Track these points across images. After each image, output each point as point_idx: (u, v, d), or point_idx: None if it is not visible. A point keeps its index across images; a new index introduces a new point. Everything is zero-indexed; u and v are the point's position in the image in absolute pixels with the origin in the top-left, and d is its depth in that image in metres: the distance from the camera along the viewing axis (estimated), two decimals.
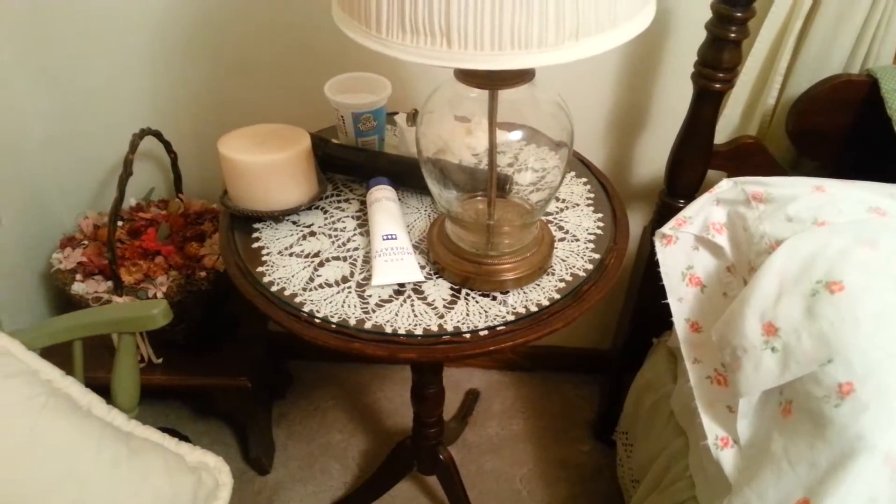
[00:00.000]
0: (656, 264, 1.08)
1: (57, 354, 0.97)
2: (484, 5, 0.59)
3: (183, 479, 0.92)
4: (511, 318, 0.85)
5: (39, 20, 1.22)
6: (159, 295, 1.21)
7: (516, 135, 0.83)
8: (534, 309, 0.86)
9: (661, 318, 1.09)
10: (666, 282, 1.07)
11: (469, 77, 0.75)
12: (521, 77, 0.76)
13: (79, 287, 1.22)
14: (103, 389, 0.96)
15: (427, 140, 0.84)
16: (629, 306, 1.44)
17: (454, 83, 0.77)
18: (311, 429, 1.64)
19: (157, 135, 1.26)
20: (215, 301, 1.33)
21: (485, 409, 1.70)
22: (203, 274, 1.26)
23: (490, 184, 0.85)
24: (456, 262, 0.89)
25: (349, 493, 1.51)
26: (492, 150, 0.81)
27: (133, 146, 1.15)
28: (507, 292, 0.88)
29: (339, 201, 1.03)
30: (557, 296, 0.88)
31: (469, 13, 0.59)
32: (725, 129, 1.22)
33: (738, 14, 0.99)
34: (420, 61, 0.63)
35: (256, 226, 0.98)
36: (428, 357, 0.83)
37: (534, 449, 1.61)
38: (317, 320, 0.84)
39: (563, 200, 1.03)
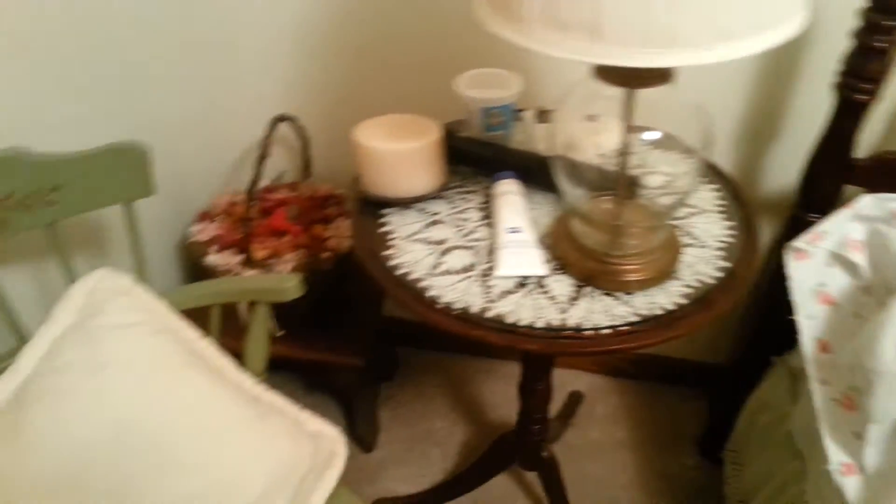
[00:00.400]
0: (784, 279, 1.04)
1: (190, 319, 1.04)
2: (635, 1, 0.59)
3: (303, 445, 0.97)
4: (635, 319, 0.84)
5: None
6: (286, 271, 1.27)
7: (648, 136, 0.82)
8: (658, 312, 0.85)
9: (783, 336, 1.05)
10: (795, 298, 1.03)
11: (608, 75, 0.75)
12: (662, 77, 0.75)
13: (213, 259, 1.30)
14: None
15: (557, 136, 0.85)
16: (749, 321, 1.39)
17: (590, 81, 0.78)
18: (415, 413, 1.68)
19: (293, 120, 1.32)
20: (336, 281, 1.38)
21: (587, 413, 1.69)
22: (327, 254, 1.31)
23: (620, 184, 0.85)
24: (580, 259, 0.89)
25: (448, 479, 1.54)
26: (625, 150, 0.81)
27: (271, 129, 1.21)
28: (631, 293, 0.87)
29: (463, 192, 1.05)
30: (684, 301, 0.86)
31: (620, 9, 0.59)
32: (867, 142, 1.16)
33: (888, 23, 0.94)
34: (566, 56, 0.63)
35: (385, 211, 1.01)
36: (548, 350, 0.83)
37: (636, 458, 1.59)
38: (440, 305, 0.87)
39: (693, 206, 1.01)
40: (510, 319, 0.84)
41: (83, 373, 0.86)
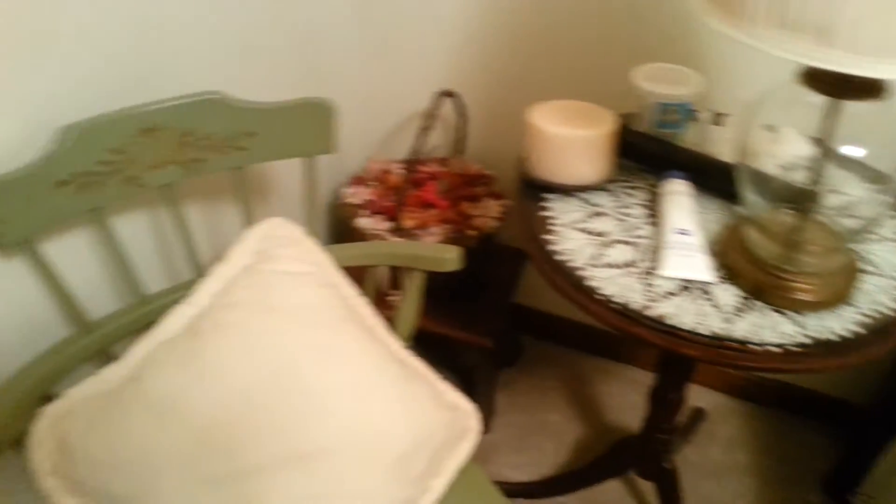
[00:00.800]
0: None
1: None
2: (879, 8, 0.56)
3: (443, 413, 0.99)
4: (805, 340, 0.80)
5: None
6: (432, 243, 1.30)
7: (842, 153, 0.78)
8: (831, 337, 0.80)
9: None
10: None
11: (817, 81, 0.71)
12: (877, 91, 0.70)
13: (363, 222, 1.35)
14: None
15: (741, 141, 0.82)
16: None
17: (789, 86, 0.74)
18: (532, 403, 1.68)
19: (456, 96, 1.34)
20: (476, 261, 1.39)
21: (709, 432, 1.63)
22: (472, 232, 1.33)
23: (805, 199, 0.81)
24: (750, 270, 0.86)
25: (559, 473, 1.53)
26: (816, 164, 0.77)
27: (436, 102, 1.23)
28: (802, 313, 0.83)
29: (628, 187, 1.03)
30: (860, 329, 0.81)
31: (856, 12, 0.56)
32: None
33: None
34: (789, 57, 0.61)
35: (547, 196, 1.01)
36: (710, 359, 0.81)
37: (756, 485, 1.52)
38: (600, 297, 0.86)
39: (875, 233, 0.95)
40: (671, 321, 0.83)
41: (253, 312, 0.91)
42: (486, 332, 1.42)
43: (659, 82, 1.01)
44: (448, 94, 1.27)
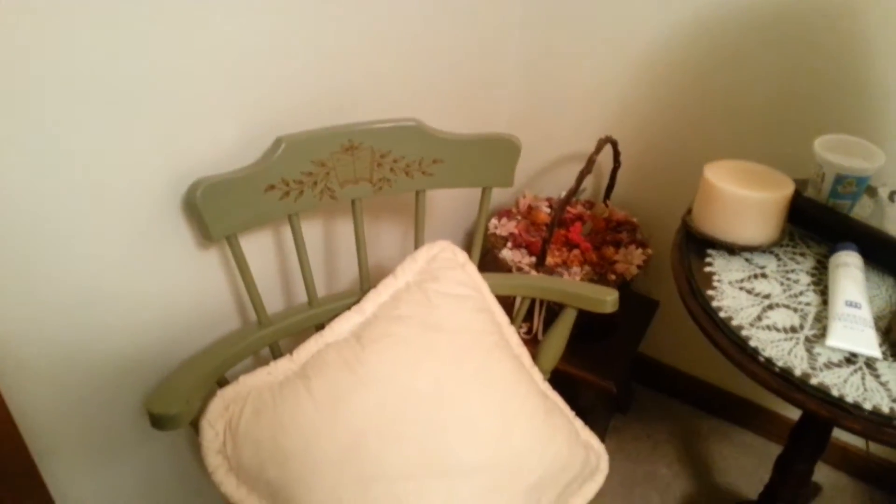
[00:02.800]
0: None
1: None
2: None
3: (577, 450, 1.01)
4: None
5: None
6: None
7: None
8: None
9: None
10: None
11: None
12: None
13: (507, 253, 1.39)
14: None
15: None
16: None
17: None
18: (641, 453, 1.67)
19: (614, 144, 1.37)
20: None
21: None
22: (612, 277, 1.35)
23: None
24: None
25: None
26: None
27: (599, 148, 1.27)
28: None
29: (794, 252, 1.04)
30: None
31: None
32: None
33: None
34: None
35: (710, 251, 1.03)
36: (873, 436, 0.80)
37: None
38: (761, 358, 0.87)
39: None
40: (835, 393, 0.82)
41: (417, 328, 0.96)
42: (610, 375, 1.43)
43: (838, 153, 1.01)
44: (609, 140, 1.30)
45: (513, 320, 1.09)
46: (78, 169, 0.76)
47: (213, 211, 0.86)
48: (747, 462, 1.66)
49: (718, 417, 1.76)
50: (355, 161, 0.95)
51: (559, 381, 1.71)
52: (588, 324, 1.45)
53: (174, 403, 0.84)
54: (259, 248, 1.05)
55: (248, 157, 0.92)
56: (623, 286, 1.38)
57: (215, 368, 0.94)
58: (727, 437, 1.72)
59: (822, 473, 1.65)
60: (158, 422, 0.82)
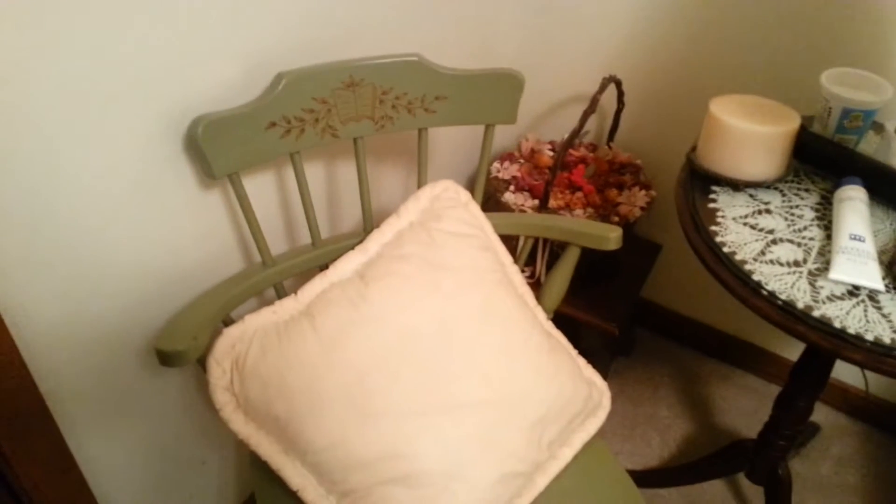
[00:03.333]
0: None
1: None
2: None
3: (580, 386, 1.02)
4: None
5: None
6: None
7: None
8: None
9: None
10: None
11: None
12: None
13: (509, 197, 1.39)
14: None
15: None
16: None
17: None
18: (642, 395, 1.69)
19: (618, 83, 1.35)
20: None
21: (821, 448, 1.60)
22: (615, 219, 1.35)
23: None
24: None
25: (663, 466, 1.54)
26: None
27: (602, 88, 1.25)
28: None
29: (798, 188, 1.03)
30: None
31: None
32: None
33: None
34: None
35: (714, 188, 1.02)
36: (874, 366, 0.81)
37: None
38: (764, 292, 0.87)
39: None
40: (837, 324, 0.83)
41: (420, 266, 0.97)
42: (613, 318, 1.44)
43: (846, 86, 1.00)
44: (613, 80, 1.28)
45: (516, 261, 1.09)
46: (81, 105, 0.75)
47: (215, 148, 0.86)
48: (747, 403, 1.68)
49: (719, 360, 1.78)
50: (357, 98, 0.94)
51: (563, 323, 1.72)
52: (591, 266, 1.45)
53: (181, 340, 0.84)
54: (262, 189, 1.05)
55: (250, 95, 0.91)
56: (626, 229, 1.37)
57: (221, 308, 0.94)
58: (727, 378, 1.74)
59: (822, 414, 1.67)
60: (167, 358, 0.83)
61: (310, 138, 0.93)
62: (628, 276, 1.53)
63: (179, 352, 0.83)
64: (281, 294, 1.02)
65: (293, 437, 0.89)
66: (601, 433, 1.58)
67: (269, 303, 0.95)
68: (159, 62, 0.81)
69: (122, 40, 0.76)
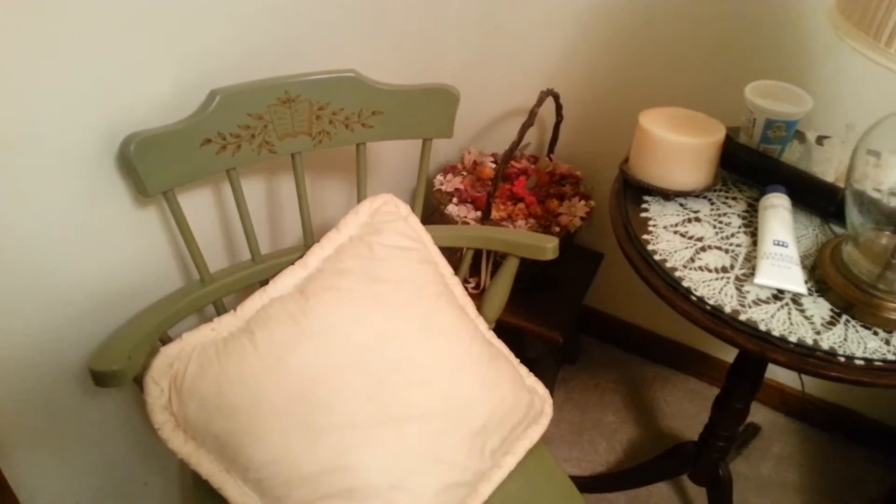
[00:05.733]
0: None
1: None
2: None
3: (522, 394, 1.04)
4: (891, 357, 0.83)
5: None
6: None
7: None
8: None
9: None
10: None
11: None
12: None
13: (453, 209, 1.40)
14: None
15: (845, 164, 0.85)
16: None
17: None
18: (588, 402, 1.72)
19: (556, 97, 1.38)
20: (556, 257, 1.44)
21: (762, 448, 1.65)
22: (556, 229, 1.37)
23: None
24: (844, 285, 0.89)
25: (610, 471, 1.57)
26: None
27: (540, 101, 1.28)
28: (891, 332, 0.86)
29: (726, 197, 1.07)
30: None
31: None
32: None
33: None
34: None
35: (646, 198, 1.05)
36: (798, 366, 0.84)
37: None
38: (693, 298, 0.90)
39: None
40: (762, 327, 0.86)
41: (361, 280, 0.97)
42: (556, 326, 1.46)
43: (769, 98, 1.04)
44: (551, 93, 1.31)
45: (458, 272, 1.11)
46: (10, 123, 0.74)
47: (148, 165, 0.85)
48: (690, 406, 1.72)
49: (662, 365, 1.82)
50: (293, 114, 0.94)
51: (508, 333, 1.74)
52: (534, 276, 1.47)
53: (116, 360, 0.83)
54: (200, 205, 1.04)
55: (185, 112, 0.91)
56: (567, 238, 1.40)
57: (158, 326, 0.93)
58: (671, 382, 1.78)
59: (762, 415, 1.72)
60: (101, 379, 0.82)
61: (246, 154, 0.93)
62: (571, 284, 1.56)
63: (114, 372, 0.82)
64: (221, 311, 1.01)
65: (234, 454, 0.89)
66: (548, 441, 1.61)
67: (210, 320, 0.94)
68: (90, 80, 0.81)
69: (49, 59, 0.76)
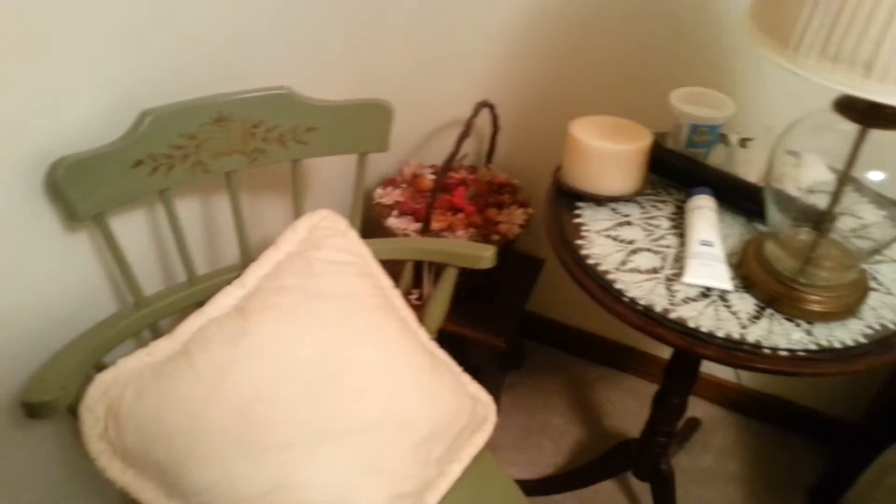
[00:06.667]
0: None
1: None
2: None
3: (465, 402, 1.05)
4: (813, 347, 0.87)
5: None
6: None
7: (862, 179, 0.85)
8: (837, 345, 0.88)
9: None
10: None
11: (848, 111, 0.79)
12: None
13: (393, 221, 1.41)
14: None
15: (766, 165, 0.90)
16: None
17: (818, 116, 0.82)
18: (534, 406, 1.75)
19: (492, 108, 1.41)
20: (496, 265, 1.46)
21: (703, 441, 1.70)
22: (496, 237, 1.40)
23: (823, 220, 0.88)
24: (767, 281, 0.93)
25: (558, 473, 1.59)
26: (840, 187, 0.85)
27: (476, 112, 1.30)
28: (812, 323, 0.91)
29: (655, 200, 1.11)
30: (863, 340, 0.89)
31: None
32: None
33: None
34: (832, 86, 0.68)
35: (579, 204, 1.08)
36: (725, 360, 0.88)
37: (744, 494, 1.60)
38: (626, 299, 0.93)
39: (882, 254, 1.03)
40: (691, 324, 0.90)
41: (300, 296, 0.97)
42: (500, 333, 1.48)
43: (693, 104, 1.09)
44: (486, 105, 1.34)
45: (399, 284, 1.11)
46: None
47: (78, 190, 0.84)
48: (633, 404, 1.77)
49: (604, 365, 1.86)
50: (226, 133, 0.94)
51: (451, 342, 1.75)
52: (475, 284, 1.49)
53: (48, 390, 0.82)
54: (133, 228, 1.02)
55: (115, 133, 0.90)
56: (507, 246, 1.43)
57: (91, 353, 0.92)
58: (613, 382, 1.82)
59: (702, 409, 1.77)
60: (34, 410, 0.80)
61: (179, 175, 0.93)
62: (513, 291, 1.58)
63: (47, 402, 0.80)
64: (158, 335, 0.99)
65: (175, 479, 0.87)
66: (496, 446, 1.63)
67: (147, 345, 0.93)
68: (15, 105, 0.79)
69: None
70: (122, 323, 0.96)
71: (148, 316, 0.98)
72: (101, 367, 0.91)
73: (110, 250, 0.91)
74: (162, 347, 0.93)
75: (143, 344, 0.99)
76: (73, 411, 0.87)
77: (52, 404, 0.80)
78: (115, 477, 0.87)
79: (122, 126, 0.89)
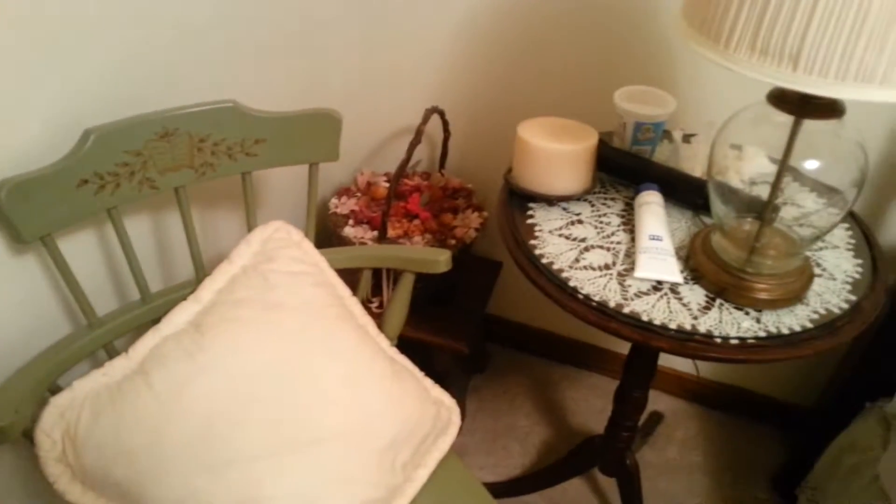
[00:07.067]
0: (891, 328, 1.08)
1: None
2: (839, 36, 0.66)
3: (428, 407, 1.05)
4: (762, 334, 0.90)
5: None
6: None
7: (800, 168, 0.88)
8: (785, 331, 0.90)
9: (880, 383, 1.08)
10: None
11: (781, 102, 0.81)
12: (833, 111, 0.81)
13: (349, 231, 1.41)
14: None
15: (709, 159, 0.92)
16: (848, 365, 1.42)
17: (755, 109, 0.85)
18: (500, 408, 1.76)
19: (441, 113, 1.42)
20: (453, 269, 1.46)
21: (666, 434, 1.73)
22: (452, 242, 1.40)
23: (765, 210, 0.91)
24: (715, 272, 0.95)
25: (526, 474, 1.60)
26: (779, 176, 0.87)
27: (426, 119, 1.31)
28: (760, 311, 0.93)
29: (605, 198, 1.13)
30: (810, 325, 0.92)
31: (823, 42, 0.66)
32: None
33: None
34: (762, 79, 0.71)
35: (531, 205, 1.10)
36: (678, 351, 0.90)
37: (709, 483, 1.63)
38: (580, 296, 0.94)
39: (824, 241, 1.06)
40: (644, 318, 0.91)
41: (256, 309, 0.97)
42: (461, 337, 1.49)
43: (636, 103, 1.11)
44: (436, 111, 1.35)
45: (357, 293, 1.12)
46: None
47: (22, 212, 0.82)
48: (596, 401, 1.79)
49: (567, 364, 1.88)
50: (173, 148, 0.93)
51: (414, 348, 1.75)
52: (434, 289, 1.50)
53: (2, 416, 0.80)
54: (82, 247, 1.01)
55: (59, 153, 0.88)
56: (465, 250, 1.44)
57: (45, 376, 0.90)
58: (577, 380, 1.84)
59: (664, 402, 1.80)
60: None
61: (126, 192, 0.92)
62: (473, 295, 1.59)
63: (1, 428, 0.79)
64: (113, 355, 0.98)
65: (137, 499, 0.86)
66: (464, 450, 1.64)
67: (102, 365, 0.92)
68: None
69: None
70: (75, 344, 0.94)
71: (102, 336, 0.97)
72: (56, 390, 0.90)
73: (60, 271, 0.89)
74: (118, 367, 0.92)
75: (98, 364, 0.97)
76: (28, 436, 0.85)
77: (6, 430, 0.78)
78: (75, 500, 0.86)
79: (66, 145, 0.88)
